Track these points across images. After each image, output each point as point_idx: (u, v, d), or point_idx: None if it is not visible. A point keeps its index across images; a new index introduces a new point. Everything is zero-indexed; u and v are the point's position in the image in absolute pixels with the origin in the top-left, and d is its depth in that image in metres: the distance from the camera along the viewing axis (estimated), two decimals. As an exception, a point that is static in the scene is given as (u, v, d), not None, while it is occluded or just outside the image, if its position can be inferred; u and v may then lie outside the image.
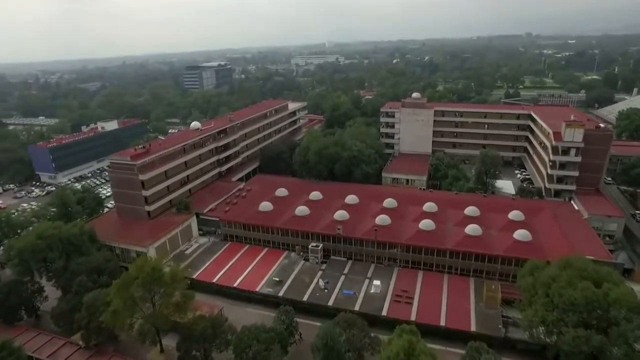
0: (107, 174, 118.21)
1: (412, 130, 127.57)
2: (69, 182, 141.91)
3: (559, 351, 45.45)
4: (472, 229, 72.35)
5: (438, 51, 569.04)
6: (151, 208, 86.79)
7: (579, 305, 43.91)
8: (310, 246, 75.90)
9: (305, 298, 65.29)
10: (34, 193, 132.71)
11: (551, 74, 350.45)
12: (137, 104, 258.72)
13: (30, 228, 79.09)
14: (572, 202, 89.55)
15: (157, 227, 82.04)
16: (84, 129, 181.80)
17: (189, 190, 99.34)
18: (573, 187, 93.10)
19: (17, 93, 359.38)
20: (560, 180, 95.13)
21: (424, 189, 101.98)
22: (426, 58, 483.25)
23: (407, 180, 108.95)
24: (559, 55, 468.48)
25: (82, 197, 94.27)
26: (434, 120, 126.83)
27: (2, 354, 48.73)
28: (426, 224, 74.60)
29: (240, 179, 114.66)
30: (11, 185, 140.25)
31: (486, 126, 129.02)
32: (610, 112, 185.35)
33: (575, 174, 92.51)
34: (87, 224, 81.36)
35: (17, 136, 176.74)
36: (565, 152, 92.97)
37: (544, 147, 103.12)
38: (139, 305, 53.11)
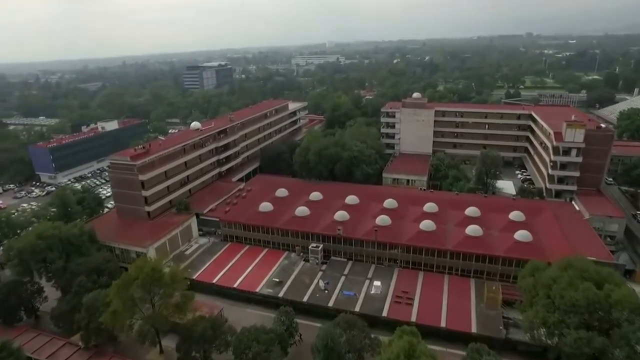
0: (107, 174, 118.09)
1: (413, 130, 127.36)
2: (69, 182, 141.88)
3: (560, 353, 45.20)
4: (472, 229, 72.14)
5: (438, 51, 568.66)
6: (151, 208, 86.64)
7: (581, 307, 43.70)
8: (310, 247, 75.72)
9: (305, 299, 65.09)
10: (34, 193, 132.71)
11: (552, 74, 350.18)
12: (137, 104, 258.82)
13: (30, 228, 79.00)
14: (573, 202, 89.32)
15: (157, 227, 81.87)
16: (84, 129, 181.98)
17: (189, 190, 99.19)
18: (574, 188, 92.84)
19: (17, 93, 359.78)
20: (561, 180, 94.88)
21: (424, 189, 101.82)
22: (427, 58, 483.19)
23: (408, 180, 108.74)
24: (560, 55, 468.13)
25: (82, 198, 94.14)
26: (435, 121, 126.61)
27: (1, 355, 48.63)
28: (427, 224, 74.39)
29: (241, 179, 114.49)
30: (11, 185, 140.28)
31: (487, 126, 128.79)
32: (611, 112, 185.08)
33: (576, 174, 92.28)
34: (87, 224, 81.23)
35: (18, 136, 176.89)
36: (566, 152, 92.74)
37: (545, 148, 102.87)
38: (138, 306, 52.99)
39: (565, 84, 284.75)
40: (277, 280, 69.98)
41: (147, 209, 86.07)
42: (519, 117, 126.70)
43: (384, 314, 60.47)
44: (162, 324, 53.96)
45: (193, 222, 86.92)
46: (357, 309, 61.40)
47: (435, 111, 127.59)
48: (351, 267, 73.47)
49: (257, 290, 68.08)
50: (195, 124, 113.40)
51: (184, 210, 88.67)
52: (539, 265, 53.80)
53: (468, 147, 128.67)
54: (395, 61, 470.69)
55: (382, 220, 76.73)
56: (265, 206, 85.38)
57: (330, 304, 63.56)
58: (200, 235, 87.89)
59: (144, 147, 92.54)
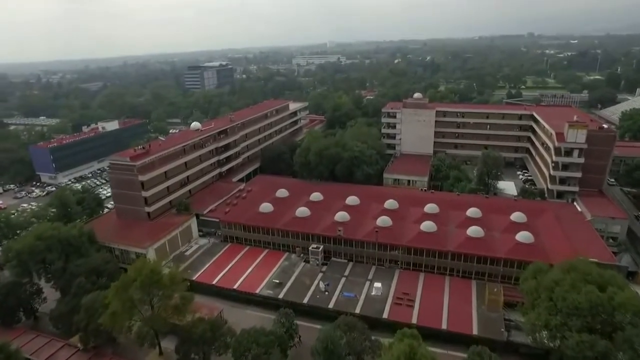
0: (107, 174, 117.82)
1: (414, 130, 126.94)
2: (70, 182, 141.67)
3: (562, 356, 44.73)
4: (474, 230, 71.73)
5: (440, 51, 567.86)
6: (151, 209, 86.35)
7: (583, 310, 43.32)
8: (310, 248, 75.41)
9: (305, 300, 64.75)
10: (34, 193, 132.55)
11: (553, 74, 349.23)
12: (138, 104, 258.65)
13: (30, 229, 78.80)
14: (575, 203, 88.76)
15: (156, 228, 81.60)
16: (84, 129, 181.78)
17: (189, 191, 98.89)
18: (576, 189, 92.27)
19: (18, 93, 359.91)
20: (563, 181, 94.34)
21: (425, 190, 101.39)
22: (428, 58, 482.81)
23: (409, 181, 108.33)
24: (561, 55, 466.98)
25: (82, 198, 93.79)
26: (436, 121, 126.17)
27: (-1, 357, 48.42)
28: (427, 225, 73.98)
29: (241, 180, 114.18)
30: (11, 186, 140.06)
31: (488, 127, 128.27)
32: (613, 113, 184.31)
33: (578, 175, 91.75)
34: (87, 224, 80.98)
35: (18, 136, 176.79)
36: (568, 153, 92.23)
37: (547, 148, 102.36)
38: (137, 308, 52.68)
39: (566, 84, 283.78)
40: (277, 281, 69.65)
41: (147, 209, 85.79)
42: (520, 117, 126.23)
43: (385, 315, 60.12)
44: (162, 325, 53.66)
45: (193, 223, 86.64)
46: (357, 310, 61.05)
47: (437, 111, 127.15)
48: (352, 269, 73.11)
49: (257, 291, 67.77)
50: (195, 124, 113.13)
51: (184, 210, 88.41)
52: (541, 268, 53.39)
53: (469, 148, 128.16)
54: (396, 61, 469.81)
55: (383, 221, 76.34)
56: (266, 207, 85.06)
57: (331, 305, 63.21)
58: (200, 236, 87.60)
59: (143, 148, 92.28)
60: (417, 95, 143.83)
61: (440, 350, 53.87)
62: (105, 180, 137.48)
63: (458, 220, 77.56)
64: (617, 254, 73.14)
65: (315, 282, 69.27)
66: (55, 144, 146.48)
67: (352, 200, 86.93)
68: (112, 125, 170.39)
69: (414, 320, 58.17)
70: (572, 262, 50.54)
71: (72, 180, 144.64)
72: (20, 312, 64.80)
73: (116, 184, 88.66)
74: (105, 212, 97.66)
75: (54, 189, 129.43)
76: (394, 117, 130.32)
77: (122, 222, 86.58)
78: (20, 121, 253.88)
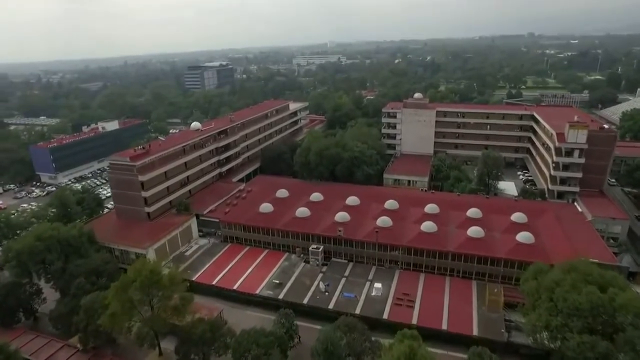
0: (107, 174, 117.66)
1: (414, 131, 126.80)
2: (70, 182, 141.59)
3: (563, 357, 44.52)
4: (474, 231, 71.58)
5: (440, 51, 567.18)
6: (151, 209, 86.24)
7: (584, 311, 43.15)
8: (310, 248, 75.29)
9: (305, 301, 64.62)
10: (34, 193, 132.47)
11: (554, 74, 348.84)
12: (138, 104, 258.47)
13: (30, 229, 78.68)
14: (575, 204, 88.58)
15: (156, 228, 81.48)
16: (84, 129, 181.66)
17: (189, 191, 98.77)
18: (576, 189, 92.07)
19: (19, 93, 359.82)
20: (563, 181, 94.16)
21: (425, 190, 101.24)
22: (428, 58, 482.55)
23: (409, 181, 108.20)
24: (562, 55, 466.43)
25: (82, 198, 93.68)
26: (436, 121, 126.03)
27: (-2, 358, 48.31)
28: (428, 225, 73.85)
29: (241, 180, 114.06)
30: (11, 186, 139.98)
31: (488, 127, 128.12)
32: (614, 113, 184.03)
33: (579, 175, 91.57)
34: (87, 225, 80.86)
35: (18, 136, 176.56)
36: (569, 153, 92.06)
37: (547, 148, 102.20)
38: (137, 309, 52.55)
39: (567, 84, 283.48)
40: (277, 281, 69.52)
41: (147, 209, 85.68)
42: (520, 117, 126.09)
43: (385, 316, 59.98)
44: (161, 326, 53.55)
45: (193, 223, 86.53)
46: (357, 311, 60.92)
47: (437, 111, 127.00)
48: (352, 269, 72.99)
49: (257, 291, 67.64)
50: (195, 124, 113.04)
51: (184, 211, 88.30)
52: (542, 268, 53.25)
53: (469, 148, 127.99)
54: (396, 61, 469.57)
55: (383, 221, 76.20)
56: (266, 207, 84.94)
57: (331, 306, 63.07)
58: (200, 236, 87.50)
59: (143, 148, 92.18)
60: (417, 95, 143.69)
61: (440, 351, 53.77)
62: (105, 180, 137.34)
63: (458, 221, 77.41)
64: (618, 254, 72.93)
65: (316, 282, 69.15)
66: (55, 144, 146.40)
67: (352, 200, 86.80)
68: (112, 125, 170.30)
69: (414, 321, 58.04)
70: (573, 263, 50.41)
71: (72, 180, 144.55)
72: (20, 313, 64.80)
73: (116, 184, 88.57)
74: (105, 213, 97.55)
75: (54, 189, 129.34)
76: (394, 117, 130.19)
77: (122, 223, 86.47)
78: (20, 121, 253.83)
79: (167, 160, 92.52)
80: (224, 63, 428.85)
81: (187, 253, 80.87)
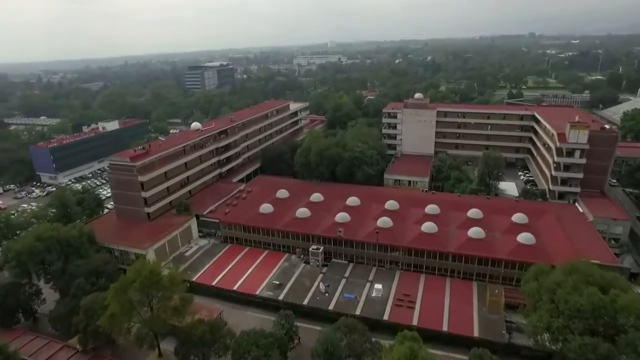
0: (107, 174, 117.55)
1: (415, 131, 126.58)
2: (70, 182, 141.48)
3: (564, 359, 44.29)
4: (475, 231, 71.35)
5: (440, 51, 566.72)
6: (151, 209, 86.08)
7: (585, 312, 42.89)
8: (310, 249, 75.12)
9: (305, 302, 64.44)
10: (34, 194, 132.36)
11: (554, 74, 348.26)
12: (138, 104, 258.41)
13: (30, 229, 78.54)
14: (576, 204, 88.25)
15: (156, 228, 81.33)
16: (84, 129, 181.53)
17: (189, 191, 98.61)
18: (577, 190, 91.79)
19: (19, 93, 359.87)
20: (564, 182, 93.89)
21: (426, 190, 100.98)
22: (428, 58, 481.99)
23: (409, 181, 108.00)
24: (562, 55, 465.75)
25: (82, 198, 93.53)
26: (437, 121, 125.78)
27: (-3, 359, 48.17)
28: (428, 226, 73.63)
29: (241, 180, 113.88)
30: (12, 186, 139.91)
31: (489, 127, 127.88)
32: (615, 113, 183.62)
33: (580, 175, 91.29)
34: (86, 225, 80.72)
35: (19, 136, 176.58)
36: (570, 153, 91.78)
37: (548, 149, 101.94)
38: (136, 309, 52.37)
39: (568, 84, 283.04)
40: (277, 282, 69.32)
41: (147, 210, 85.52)
42: (521, 117, 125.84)
43: (385, 317, 59.76)
44: (161, 327, 53.39)
45: (193, 224, 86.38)
46: (357, 312, 60.73)
47: (437, 112, 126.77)
48: (352, 270, 72.77)
49: (257, 292, 67.44)
50: (195, 125, 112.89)
51: (184, 211, 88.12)
52: (543, 269, 52.99)
53: (470, 148, 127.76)
54: (397, 61, 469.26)
55: (384, 222, 76.00)
56: (266, 207, 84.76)
57: (331, 307, 62.86)
58: (200, 236, 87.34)
59: (143, 148, 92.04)
60: (418, 95, 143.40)
61: (441, 352, 53.62)
62: (106, 180, 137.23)
63: (459, 221, 77.19)
64: (619, 255, 72.60)
65: (316, 283, 68.94)
66: (55, 144, 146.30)
67: (352, 201, 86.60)
68: (113, 125, 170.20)
69: (415, 322, 57.84)
70: (574, 264, 50.15)
71: (73, 180, 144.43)
72: (20, 313, 64.74)
73: (116, 185, 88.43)
74: (105, 213, 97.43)
75: (54, 189, 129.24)
76: (395, 117, 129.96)
77: (122, 223, 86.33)
78: (20, 121, 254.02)
79: (167, 160, 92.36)
80: (225, 63, 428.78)
81: (187, 254, 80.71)
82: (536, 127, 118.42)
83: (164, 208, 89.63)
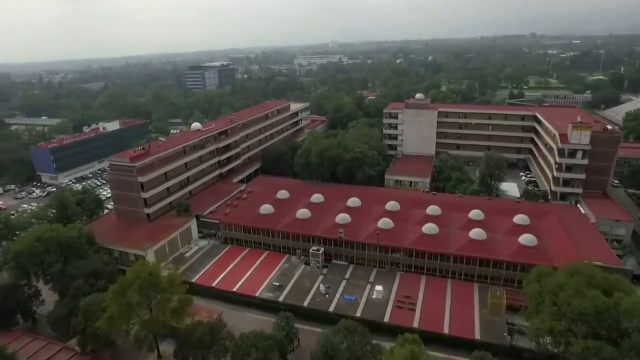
0: (107, 174, 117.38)
1: (416, 131, 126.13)
2: (70, 182, 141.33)
3: (567, 362, 43.93)
4: (476, 233, 70.90)
5: (442, 51, 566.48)
6: (150, 210, 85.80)
7: (589, 315, 42.42)
8: (311, 250, 74.75)
9: (305, 303, 64.06)
10: (35, 194, 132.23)
11: (556, 74, 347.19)
12: (139, 104, 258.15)
13: (29, 230, 78.27)
14: (578, 205, 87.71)
15: (156, 229, 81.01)
16: (85, 129, 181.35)
17: (189, 192, 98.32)
18: (579, 190, 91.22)
19: (20, 93, 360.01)
20: (566, 183, 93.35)
21: (427, 191, 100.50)
22: (430, 58, 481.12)
23: (410, 182, 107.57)
24: (564, 55, 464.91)
25: (82, 199, 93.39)
26: (438, 122, 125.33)
27: (-5, 361, 47.84)
28: (429, 227, 73.19)
29: (242, 181, 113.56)
30: (12, 186, 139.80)
31: (490, 127, 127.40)
32: (617, 113, 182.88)
33: (582, 176, 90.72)
34: (86, 226, 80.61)
35: (19, 136, 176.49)
36: (572, 154, 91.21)
37: (550, 149, 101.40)
38: (135, 311, 52.04)
39: (569, 85, 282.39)
40: (277, 284, 68.93)
41: (147, 210, 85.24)
42: (523, 118, 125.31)
43: (386, 319, 59.35)
44: (160, 329, 53.00)
45: (193, 224, 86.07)
46: (358, 314, 60.33)
47: (439, 112, 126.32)
48: (352, 271, 72.36)
49: (257, 294, 67.09)
50: (195, 125, 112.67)
51: (184, 212, 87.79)
52: (545, 271, 52.51)
53: (471, 149, 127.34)
54: (398, 61, 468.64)
55: (384, 223, 75.58)
56: (266, 208, 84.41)
57: (331, 309, 62.47)
58: (200, 237, 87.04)
59: (143, 149, 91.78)
60: (419, 95, 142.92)
61: (442, 355, 53.36)
62: (106, 180, 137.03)
63: (460, 223, 76.76)
64: (622, 257, 72.16)
65: (316, 284, 68.54)
66: (55, 144, 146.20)
67: (353, 201, 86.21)
68: (113, 126, 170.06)
69: (416, 324, 57.47)
70: (576, 266, 49.73)
71: (73, 180, 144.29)
72: (18, 315, 64.52)
73: (116, 185, 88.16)
74: (105, 213, 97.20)
75: (54, 189, 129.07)
76: (396, 117, 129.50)
77: (122, 224, 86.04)
78: (21, 121, 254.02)
79: (167, 161, 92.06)
80: (225, 63, 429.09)
81: (187, 254, 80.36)
82: (538, 127, 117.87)
83: (164, 209, 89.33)
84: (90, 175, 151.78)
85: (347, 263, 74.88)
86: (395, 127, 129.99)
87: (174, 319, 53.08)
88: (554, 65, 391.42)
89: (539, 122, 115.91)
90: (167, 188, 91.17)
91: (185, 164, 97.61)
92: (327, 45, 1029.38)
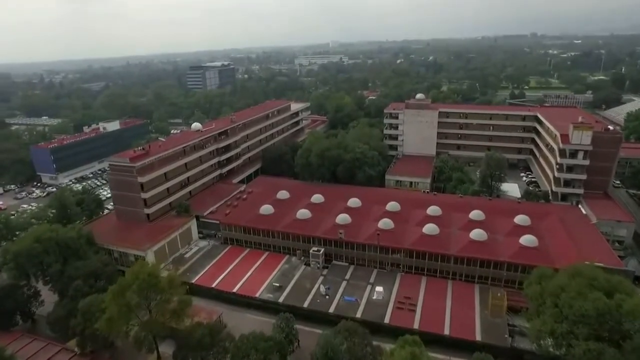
0: (107, 175, 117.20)
1: (416, 131, 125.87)
2: (70, 183, 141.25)
3: (568, 364, 43.65)
4: (477, 233, 70.63)
5: (442, 51, 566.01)
6: (150, 211, 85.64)
7: (590, 317, 42.09)
8: (311, 250, 74.51)
9: (305, 304, 63.83)
10: (35, 194, 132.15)
11: (557, 75, 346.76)
12: (139, 104, 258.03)
13: (29, 230, 78.12)
14: (579, 206, 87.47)
15: (156, 230, 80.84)
16: (85, 129, 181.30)
17: (189, 192, 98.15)
18: (581, 191, 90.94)
19: (20, 93, 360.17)
20: (567, 183, 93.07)
21: (427, 191, 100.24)
22: (430, 58, 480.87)
23: (411, 182, 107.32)
24: (565, 56, 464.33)
25: (82, 199, 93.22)
26: (438, 122, 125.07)
27: (-6, 362, 47.69)
28: (430, 228, 72.93)
29: (242, 181, 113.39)
30: (12, 186, 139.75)
31: (491, 128, 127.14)
32: (618, 113, 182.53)
33: (583, 177, 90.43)
34: (86, 226, 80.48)
35: (19, 136, 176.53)
36: (573, 154, 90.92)
37: (551, 150, 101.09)
38: (134, 312, 51.80)
39: (570, 85, 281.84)
40: (278, 285, 68.72)
41: (147, 211, 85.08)
42: (524, 118, 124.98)
43: (386, 320, 59.13)
44: (159, 330, 52.74)
45: (193, 225, 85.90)
46: (358, 315, 60.10)
47: (439, 112, 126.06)
48: (353, 272, 72.12)
49: (257, 295, 66.88)
50: (196, 125, 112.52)
51: (183, 212, 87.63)
52: (546, 272, 52.20)
53: (472, 149, 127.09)
54: (398, 61, 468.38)
55: (385, 223, 75.33)
56: (266, 209, 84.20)
57: (331, 310, 62.25)
58: (200, 238, 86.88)
59: (143, 149, 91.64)
60: (419, 95, 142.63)
61: (442, 356, 53.13)
62: (106, 180, 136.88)
63: (461, 223, 76.51)
64: (624, 258, 71.84)
65: (316, 285, 68.32)
66: (56, 144, 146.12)
67: (353, 202, 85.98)
68: (113, 126, 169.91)
69: (416, 326, 57.23)
70: (578, 267, 49.42)
71: (73, 180, 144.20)
72: (17, 316, 64.34)
73: (115, 185, 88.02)
74: (105, 214, 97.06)
75: (54, 189, 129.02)
76: (397, 117, 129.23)
77: (122, 224, 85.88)
78: (22, 121, 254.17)
79: (167, 161, 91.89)
80: (226, 63, 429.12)
81: (187, 255, 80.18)
82: (539, 127, 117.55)
83: (164, 209, 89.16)
84: (91, 175, 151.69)
85: (347, 264, 74.65)
86: (396, 128, 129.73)
87: (173, 320, 52.82)
88: (555, 66, 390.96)
89: (540, 122, 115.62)
90: (167, 188, 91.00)
91: (186, 164, 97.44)
92: (328, 45, 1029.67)
